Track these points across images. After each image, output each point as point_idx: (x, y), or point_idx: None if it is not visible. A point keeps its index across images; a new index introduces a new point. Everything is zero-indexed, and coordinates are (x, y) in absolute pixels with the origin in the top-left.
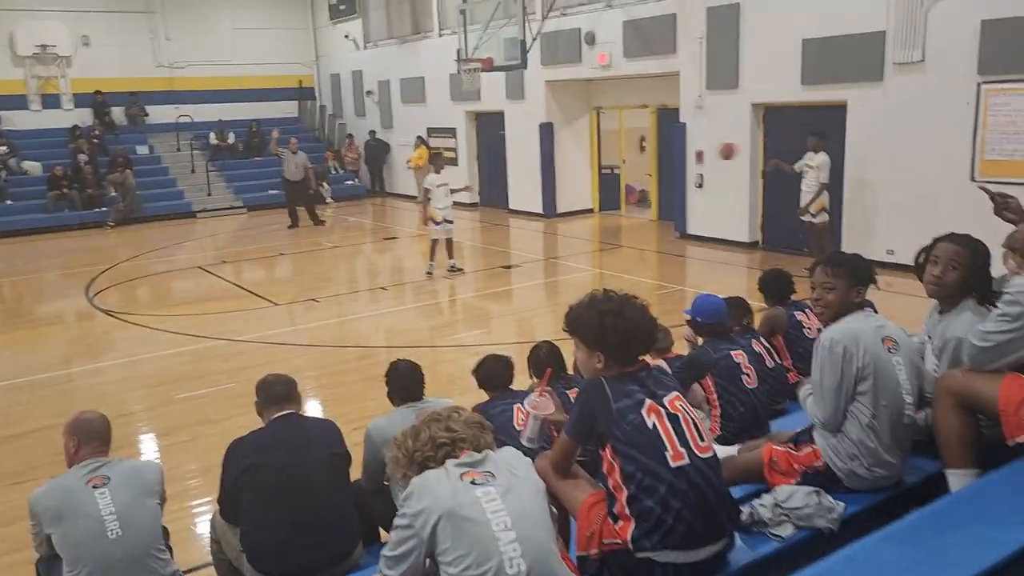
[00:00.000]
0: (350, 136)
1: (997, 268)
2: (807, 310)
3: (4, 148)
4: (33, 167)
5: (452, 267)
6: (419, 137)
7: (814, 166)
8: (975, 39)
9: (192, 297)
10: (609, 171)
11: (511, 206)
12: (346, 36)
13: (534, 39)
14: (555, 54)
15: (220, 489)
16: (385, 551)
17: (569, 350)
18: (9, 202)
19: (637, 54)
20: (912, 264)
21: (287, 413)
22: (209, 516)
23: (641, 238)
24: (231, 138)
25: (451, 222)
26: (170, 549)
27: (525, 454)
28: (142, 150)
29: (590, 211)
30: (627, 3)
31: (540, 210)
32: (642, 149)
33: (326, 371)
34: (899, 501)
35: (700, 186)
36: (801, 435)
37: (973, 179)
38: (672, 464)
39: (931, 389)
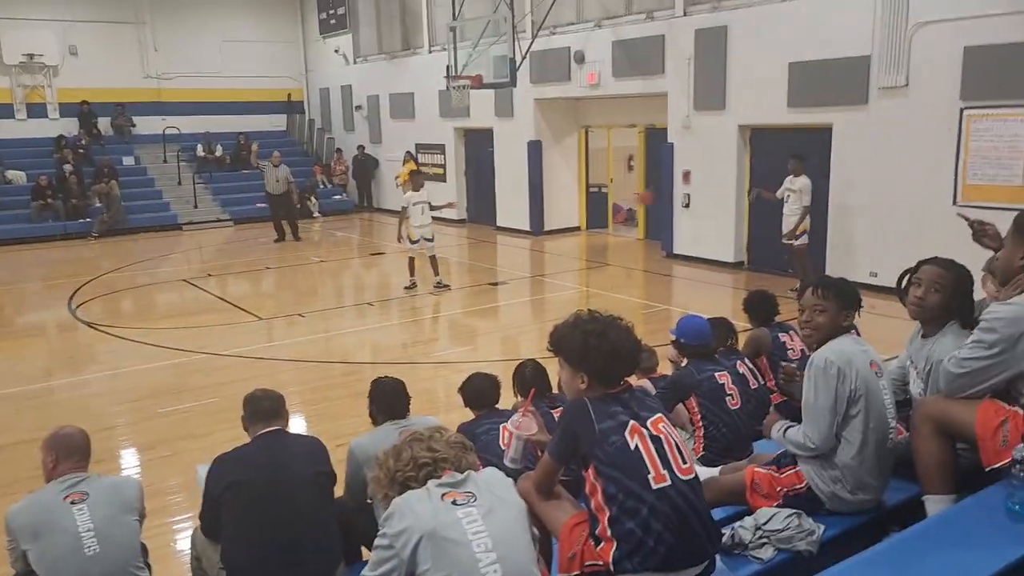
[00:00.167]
0: (339, 151)
1: (980, 292)
2: (791, 331)
3: None
4: (17, 176)
5: (438, 283)
6: (408, 152)
7: (796, 190)
8: (958, 65)
9: (176, 310)
10: (597, 189)
11: (498, 223)
12: (336, 51)
13: (523, 57)
14: (544, 72)
15: (202, 504)
16: (365, 571)
17: (555, 369)
18: None
19: (626, 74)
20: (894, 286)
21: (273, 430)
22: (190, 532)
23: (628, 257)
24: (219, 150)
25: (430, 240)
26: (149, 567)
27: (509, 474)
28: (128, 161)
29: (577, 229)
30: (616, 23)
31: (527, 227)
32: (630, 168)
33: (310, 387)
34: (878, 523)
35: (687, 206)
36: (783, 457)
37: (955, 203)
38: (654, 486)
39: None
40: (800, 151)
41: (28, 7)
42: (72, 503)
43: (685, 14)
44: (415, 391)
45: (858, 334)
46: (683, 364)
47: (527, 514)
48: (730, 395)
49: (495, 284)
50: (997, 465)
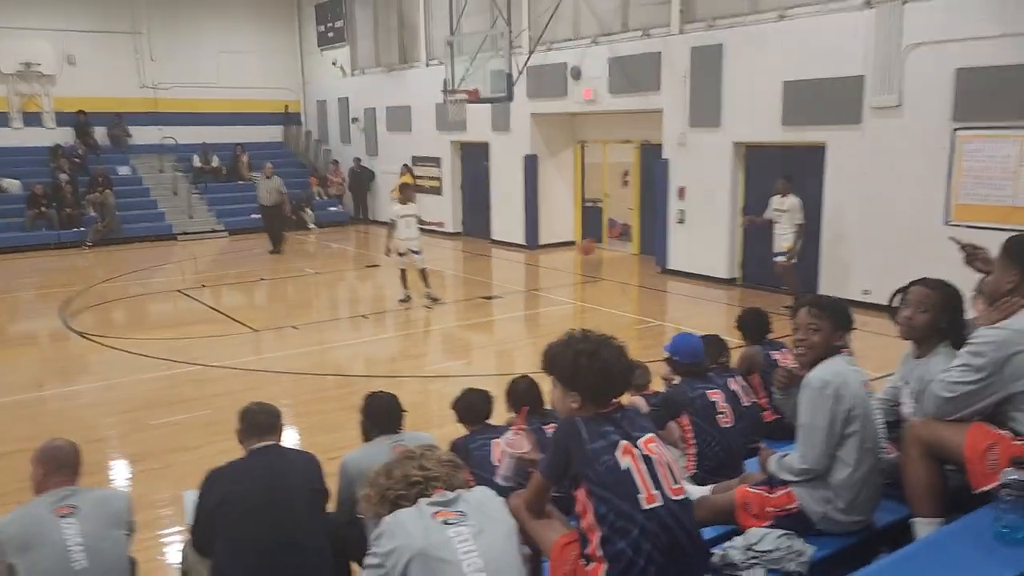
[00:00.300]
0: (335, 162)
1: (972, 313)
2: (784, 349)
3: None
4: (12, 185)
5: (428, 296)
6: (405, 165)
7: (785, 210)
8: (950, 86)
9: (170, 321)
10: (592, 204)
11: (494, 236)
12: (333, 63)
13: (520, 72)
14: (541, 88)
15: (194, 518)
16: None
17: (548, 385)
18: None
19: (622, 90)
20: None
21: (268, 444)
22: (180, 546)
23: (622, 272)
24: (215, 161)
25: (417, 252)
26: None
27: (501, 491)
28: (124, 171)
29: (572, 243)
30: (613, 40)
31: (523, 241)
32: (625, 183)
33: (303, 399)
34: (868, 545)
35: (681, 222)
36: (775, 476)
37: (947, 222)
38: (644, 506)
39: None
40: (790, 171)
41: (26, 16)
42: (61, 516)
43: (681, 32)
44: (408, 405)
45: (850, 354)
46: (675, 381)
47: (517, 533)
48: (722, 413)
49: (489, 298)
50: (986, 488)
